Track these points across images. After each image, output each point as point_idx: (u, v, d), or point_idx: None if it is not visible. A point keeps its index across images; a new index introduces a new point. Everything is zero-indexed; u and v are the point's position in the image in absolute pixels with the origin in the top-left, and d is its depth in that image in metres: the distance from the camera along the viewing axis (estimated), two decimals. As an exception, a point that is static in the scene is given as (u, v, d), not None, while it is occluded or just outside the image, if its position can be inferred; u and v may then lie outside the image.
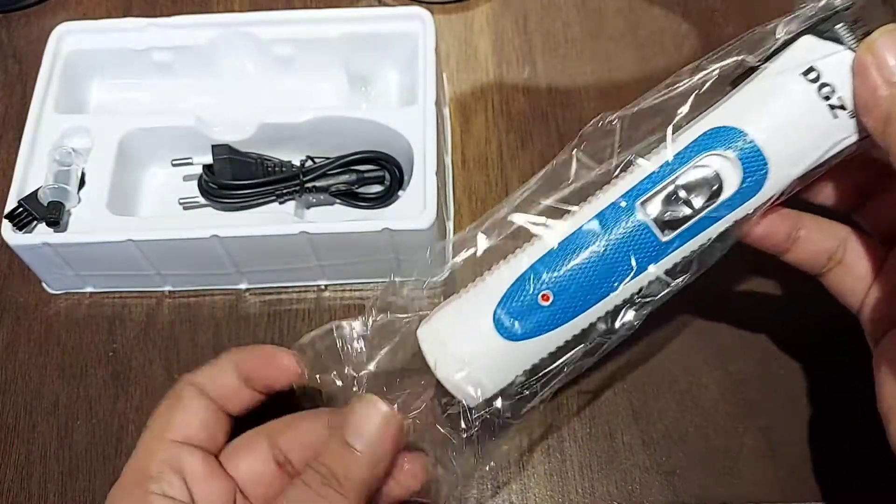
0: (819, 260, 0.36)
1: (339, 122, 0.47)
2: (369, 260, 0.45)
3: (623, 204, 0.29)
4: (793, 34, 0.28)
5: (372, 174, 0.47)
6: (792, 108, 0.28)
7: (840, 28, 0.27)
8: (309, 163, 0.47)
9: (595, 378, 0.44)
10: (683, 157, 0.29)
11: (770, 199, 0.29)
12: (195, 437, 0.34)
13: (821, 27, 0.28)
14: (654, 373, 0.44)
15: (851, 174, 0.33)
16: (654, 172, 0.29)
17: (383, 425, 0.30)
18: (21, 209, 0.44)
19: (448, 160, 0.51)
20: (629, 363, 0.45)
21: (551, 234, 0.30)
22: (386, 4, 0.56)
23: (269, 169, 0.47)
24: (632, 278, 0.29)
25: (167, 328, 0.47)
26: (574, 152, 0.32)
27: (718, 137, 0.28)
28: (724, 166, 0.28)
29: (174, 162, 0.48)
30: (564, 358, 0.32)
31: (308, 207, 0.48)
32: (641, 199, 0.28)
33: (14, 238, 0.43)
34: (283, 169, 0.47)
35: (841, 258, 0.35)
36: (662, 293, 0.31)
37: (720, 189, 0.28)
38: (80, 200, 0.45)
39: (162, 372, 0.46)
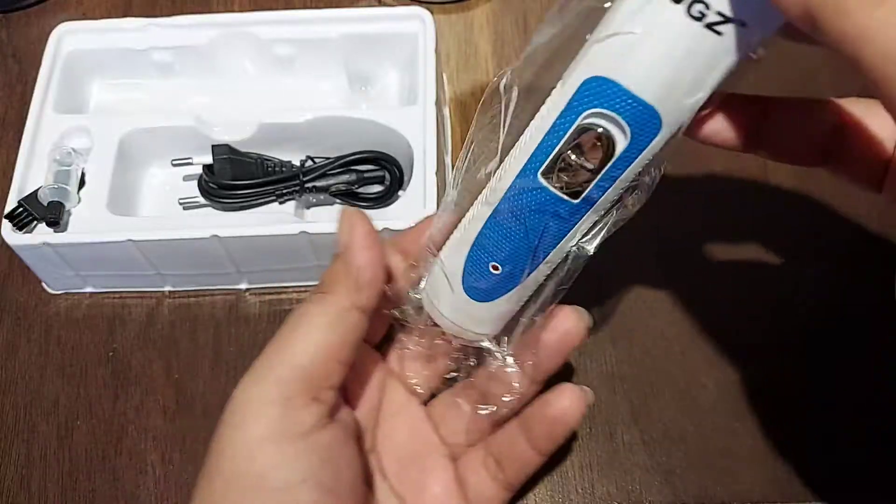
0: (811, 148, 0.31)
1: (339, 122, 0.47)
2: (369, 260, 0.45)
3: (528, 177, 0.28)
4: None
5: (372, 174, 0.47)
6: (663, 45, 0.25)
7: None
8: (309, 163, 0.47)
9: (595, 378, 0.44)
10: (566, 118, 0.27)
11: (674, 133, 0.27)
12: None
13: None
14: (654, 373, 0.44)
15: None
16: (544, 138, 0.27)
17: (346, 222, 0.31)
18: (21, 209, 0.44)
19: (448, 160, 0.51)
20: (629, 363, 0.45)
21: (482, 210, 0.31)
22: (386, 4, 0.56)
23: (269, 169, 0.47)
24: (562, 239, 0.30)
25: (167, 328, 0.47)
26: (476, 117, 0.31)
27: (594, 92, 0.26)
28: (609, 123, 0.26)
29: (174, 162, 0.48)
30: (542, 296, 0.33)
31: (308, 207, 0.48)
32: (541, 170, 0.28)
33: (14, 238, 0.43)
34: (283, 169, 0.47)
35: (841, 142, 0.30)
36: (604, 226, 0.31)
37: (612, 145, 0.26)
38: (80, 200, 0.45)
39: (162, 372, 0.46)
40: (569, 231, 0.30)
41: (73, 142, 0.47)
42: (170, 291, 0.48)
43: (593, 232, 0.31)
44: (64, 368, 0.46)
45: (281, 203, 0.47)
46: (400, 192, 0.47)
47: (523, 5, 0.57)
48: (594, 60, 0.26)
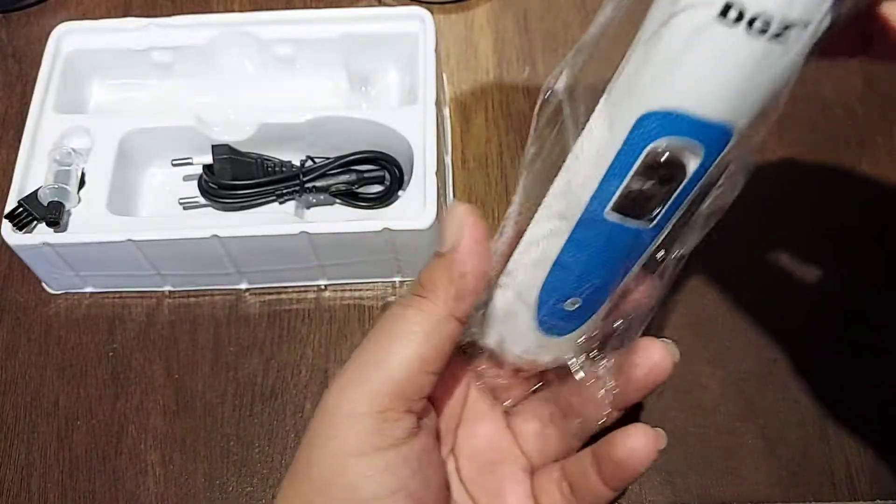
0: None
1: (339, 122, 0.47)
2: (369, 260, 0.45)
3: (597, 212, 0.26)
4: None
5: (372, 174, 0.47)
6: (728, 66, 0.23)
7: None
8: (309, 163, 0.47)
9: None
10: (634, 146, 0.25)
11: (744, 133, 0.25)
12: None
13: None
14: (654, 373, 0.44)
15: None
16: (611, 167, 0.26)
17: (456, 219, 0.29)
18: (21, 209, 0.44)
19: (448, 160, 0.51)
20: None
21: (551, 245, 0.29)
22: (386, 4, 0.56)
23: (269, 169, 0.47)
24: (638, 260, 0.29)
25: (167, 328, 0.47)
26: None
27: (663, 122, 0.24)
28: (681, 146, 0.25)
29: (174, 162, 0.48)
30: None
31: (308, 207, 0.48)
32: (610, 206, 0.26)
33: (14, 238, 0.43)
34: (283, 169, 0.47)
35: None
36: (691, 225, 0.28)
37: (684, 168, 0.25)
38: (80, 200, 0.45)
39: (162, 372, 0.46)
40: (645, 251, 0.28)
41: (73, 142, 0.47)
42: (170, 291, 0.48)
43: (683, 237, 0.28)
44: (64, 368, 0.46)
45: (281, 203, 0.47)
46: (400, 192, 0.47)
47: (523, 5, 0.57)
48: (646, 93, 0.25)
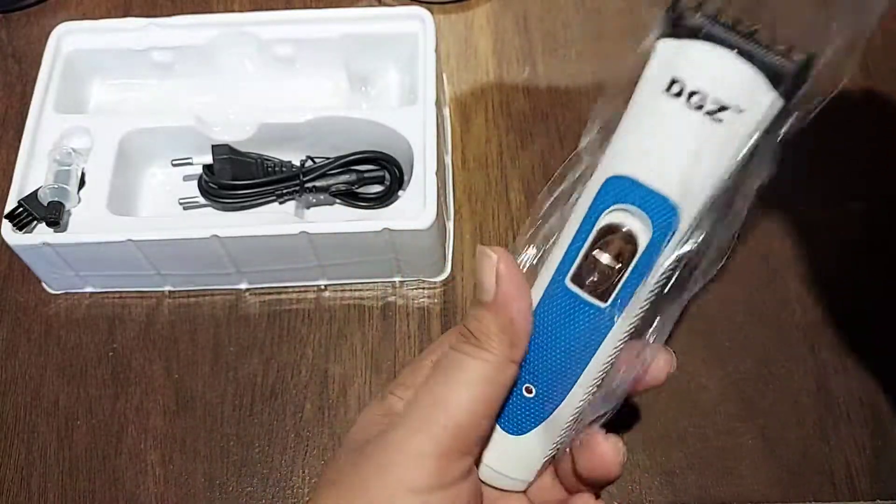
0: None
1: (339, 122, 0.47)
2: (369, 260, 0.45)
3: (556, 284, 0.28)
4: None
5: (372, 174, 0.47)
6: (670, 136, 0.25)
7: (685, 22, 0.24)
8: (309, 163, 0.47)
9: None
10: (589, 220, 0.27)
11: (695, 218, 0.26)
12: None
13: (664, 34, 0.25)
14: (654, 373, 0.44)
15: None
16: (571, 242, 0.27)
17: (492, 268, 0.29)
18: (21, 209, 0.44)
19: (448, 160, 0.51)
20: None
21: None
22: (386, 4, 0.56)
23: (269, 169, 0.47)
24: (596, 350, 0.29)
25: (167, 328, 0.47)
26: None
27: (613, 190, 0.26)
28: (629, 219, 0.26)
29: (174, 162, 0.48)
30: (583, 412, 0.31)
31: (308, 207, 0.48)
32: (569, 276, 0.27)
33: (14, 238, 0.43)
34: (283, 169, 0.47)
35: None
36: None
37: (635, 240, 0.26)
38: (80, 200, 0.45)
39: (162, 372, 0.46)
40: (602, 340, 0.28)
41: (73, 142, 0.47)
42: (170, 291, 0.48)
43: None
44: (64, 368, 0.46)
45: (281, 203, 0.47)
46: (400, 192, 0.47)
47: (523, 5, 0.57)
48: (611, 161, 0.26)
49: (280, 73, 0.51)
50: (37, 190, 0.44)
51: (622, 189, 0.26)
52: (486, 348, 0.29)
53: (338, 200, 0.48)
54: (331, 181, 0.46)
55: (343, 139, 0.47)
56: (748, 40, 0.23)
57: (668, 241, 0.26)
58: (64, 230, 0.44)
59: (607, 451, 0.31)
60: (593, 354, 0.28)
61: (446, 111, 0.52)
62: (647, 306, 0.28)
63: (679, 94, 0.24)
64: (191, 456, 0.44)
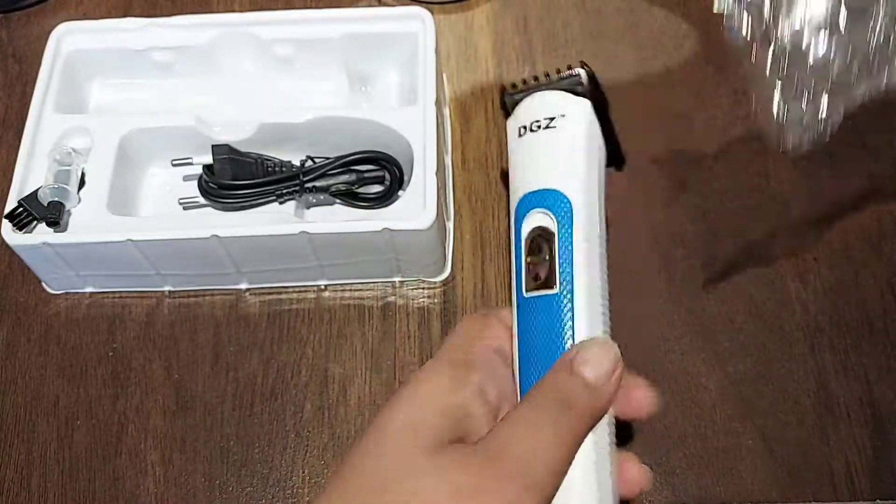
0: None
1: (339, 122, 0.47)
2: (369, 260, 0.45)
3: (520, 297, 0.33)
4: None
5: (372, 174, 0.47)
6: (536, 153, 0.35)
7: (508, 99, 0.36)
8: (309, 163, 0.47)
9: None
10: (518, 237, 0.34)
11: (589, 196, 0.33)
12: (504, 352, 0.34)
13: (506, 113, 0.37)
14: (654, 373, 0.44)
15: None
16: (514, 259, 0.34)
17: (615, 363, 0.31)
18: (21, 209, 0.44)
19: (448, 160, 0.51)
20: (629, 364, 0.45)
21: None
22: (386, 4, 0.57)
23: (269, 169, 0.47)
24: (574, 326, 0.32)
25: (167, 328, 0.47)
26: None
27: (522, 207, 0.34)
28: (542, 220, 0.33)
29: (174, 162, 0.48)
30: None
31: (308, 207, 0.48)
32: (523, 288, 0.33)
33: (14, 238, 0.43)
34: (283, 169, 0.47)
35: None
36: None
37: (549, 232, 0.33)
38: (80, 200, 0.45)
39: (162, 372, 0.46)
40: (571, 314, 0.32)
41: (73, 142, 0.47)
42: (170, 291, 0.48)
43: None
44: (64, 368, 0.46)
45: (281, 203, 0.47)
46: (400, 192, 0.47)
47: (523, 5, 0.57)
48: (513, 193, 0.35)
49: (280, 73, 0.51)
50: (37, 190, 0.44)
51: (527, 202, 0.34)
52: (580, 420, 0.30)
53: (338, 200, 0.48)
54: (331, 181, 0.47)
55: (343, 139, 0.47)
56: (544, 83, 0.35)
57: (573, 221, 0.33)
58: (64, 230, 0.44)
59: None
60: (563, 337, 0.32)
61: (446, 111, 0.52)
62: (590, 273, 0.33)
63: (525, 131, 0.35)
64: (191, 456, 0.44)
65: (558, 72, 0.36)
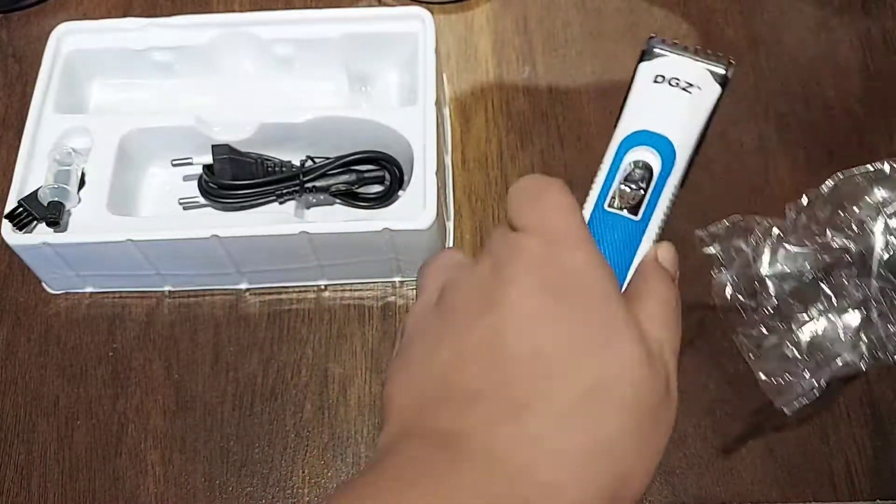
0: None
1: (339, 122, 0.47)
2: (369, 260, 0.45)
3: (597, 211, 0.37)
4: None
5: (372, 174, 0.47)
6: (664, 102, 0.39)
7: (656, 48, 0.40)
8: (309, 163, 0.47)
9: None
10: (616, 161, 0.37)
11: (689, 156, 0.38)
12: None
13: (646, 57, 0.40)
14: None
15: None
16: (605, 179, 0.37)
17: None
18: (21, 209, 0.44)
19: (448, 160, 0.51)
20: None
21: None
22: (386, 4, 0.57)
23: (269, 169, 0.47)
24: (636, 254, 0.36)
25: (167, 328, 0.47)
26: None
27: (632, 140, 0.38)
28: (646, 154, 0.37)
29: (174, 162, 0.48)
30: None
31: (308, 207, 0.48)
32: (606, 202, 0.37)
33: (14, 238, 0.43)
34: (283, 169, 0.47)
35: None
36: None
37: (651, 169, 0.37)
38: (80, 200, 0.45)
39: (162, 372, 0.46)
40: (639, 244, 0.35)
41: (73, 142, 0.47)
42: (170, 291, 0.48)
43: None
44: (64, 368, 0.46)
45: (281, 203, 0.47)
46: (400, 192, 0.47)
47: (523, 5, 0.57)
48: (626, 125, 0.38)
49: (280, 73, 0.51)
50: (37, 190, 0.44)
51: (638, 138, 0.38)
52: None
53: (338, 200, 0.48)
54: (331, 181, 0.47)
55: (343, 139, 0.47)
56: (696, 53, 0.40)
57: (672, 169, 0.37)
58: (64, 230, 0.44)
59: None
60: (633, 257, 0.35)
61: (446, 111, 0.52)
62: (665, 217, 0.37)
63: (663, 81, 0.39)
64: (191, 456, 0.44)
65: (709, 53, 0.41)
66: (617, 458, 0.26)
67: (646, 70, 0.40)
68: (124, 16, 0.51)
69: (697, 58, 0.41)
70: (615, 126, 0.40)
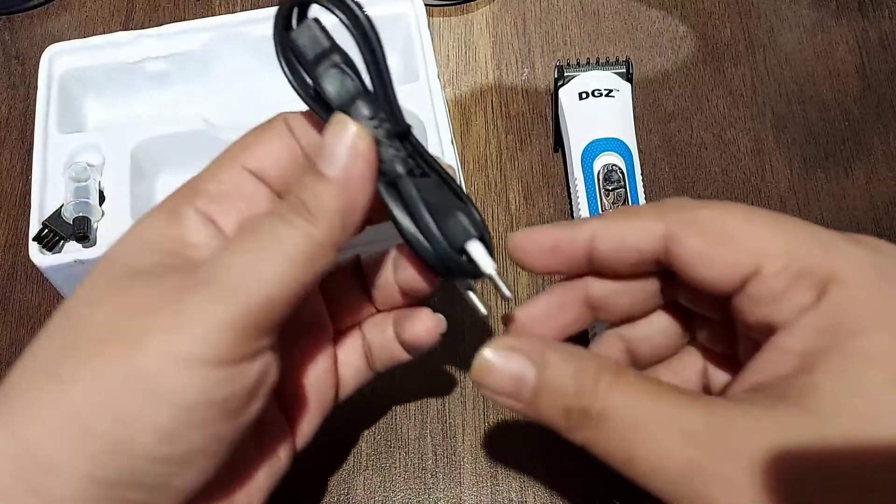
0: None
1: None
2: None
3: (595, 212, 0.45)
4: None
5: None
6: (599, 112, 0.47)
7: (567, 72, 0.48)
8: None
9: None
10: (587, 173, 0.45)
11: (637, 146, 0.46)
12: (269, 173, 0.31)
13: (561, 82, 0.48)
14: (652, 372, 0.45)
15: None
16: (585, 191, 0.45)
17: (352, 145, 0.28)
18: (47, 230, 0.44)
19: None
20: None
21: None
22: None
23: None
24: None
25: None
26: None
27: (590, 150, 0.45)
28: (610, 157, 0.45)
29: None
30: None
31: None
32: (599, 207, 0.44)
33: (44, 260, 0.44)
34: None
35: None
36: None
37: (620, 168, 0.45)
38: (103, 214, 0.46)
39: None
40: None
41: (85, 159, 0.47)
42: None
43: None
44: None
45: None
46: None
47: (522, 8, 0.58)
48: (577, 140, 0.46)
49: (278, 69, 0.51)
50: (59, 209, 0.45)
51: (596, 146, 0.45)
52: (318, 227, 0.27)
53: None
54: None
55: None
56: (598, 64, 0.48)
57: (633, 160, 0.46)
58: (93, 244, 0.45)
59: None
60: None
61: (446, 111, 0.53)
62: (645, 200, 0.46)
63: (588, 96, 0.47)
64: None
65: (608, 59, 0.49)
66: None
67: (567, 92, 0.47)
68: (127, 17, 0.52)
69: (602, 67, 0.48)
70: (557, 149, 0.49)
